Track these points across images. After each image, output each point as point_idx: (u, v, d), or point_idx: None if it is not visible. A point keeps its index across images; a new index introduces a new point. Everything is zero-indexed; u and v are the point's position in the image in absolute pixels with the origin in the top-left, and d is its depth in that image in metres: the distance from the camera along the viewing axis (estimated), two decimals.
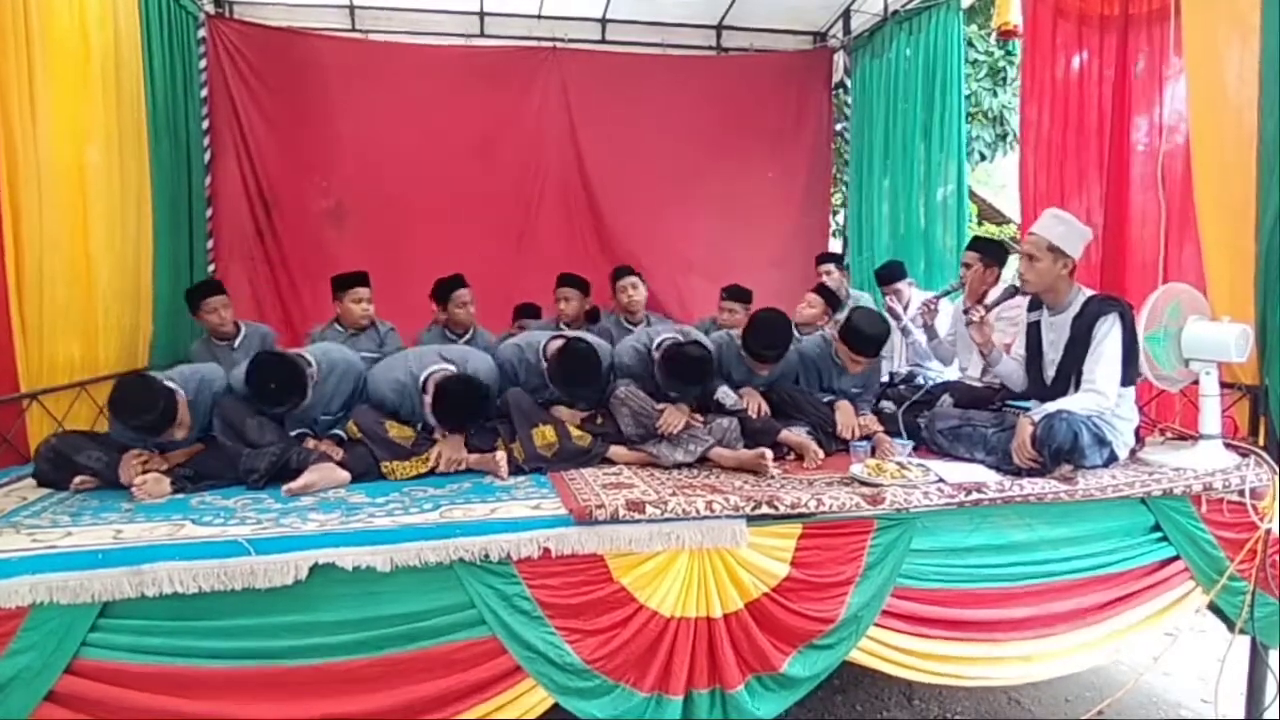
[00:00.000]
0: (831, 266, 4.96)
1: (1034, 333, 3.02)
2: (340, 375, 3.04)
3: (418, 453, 2.80)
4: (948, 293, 4.04)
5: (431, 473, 2.80)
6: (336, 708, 2.08)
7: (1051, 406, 2.72)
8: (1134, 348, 2.77)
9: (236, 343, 3.93)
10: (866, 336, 3.19)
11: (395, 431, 2.85)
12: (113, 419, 2.72)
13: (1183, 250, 3.36)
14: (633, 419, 2.91)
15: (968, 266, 3.86)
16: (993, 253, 3.88)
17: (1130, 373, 2.78)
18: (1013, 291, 3.16)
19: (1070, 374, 2.83)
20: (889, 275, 4.53)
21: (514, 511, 2.34)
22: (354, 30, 5.74)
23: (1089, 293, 2.90)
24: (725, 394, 3.18)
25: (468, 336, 4.17)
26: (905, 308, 4.39)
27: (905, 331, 4.19)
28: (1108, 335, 2.74)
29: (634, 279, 4.45)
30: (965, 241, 4.39)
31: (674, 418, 2.91)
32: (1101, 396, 2.71)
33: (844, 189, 6.35)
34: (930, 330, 3.93)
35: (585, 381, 3.01)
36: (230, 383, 2.91)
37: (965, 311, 3.30)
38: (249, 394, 2.74)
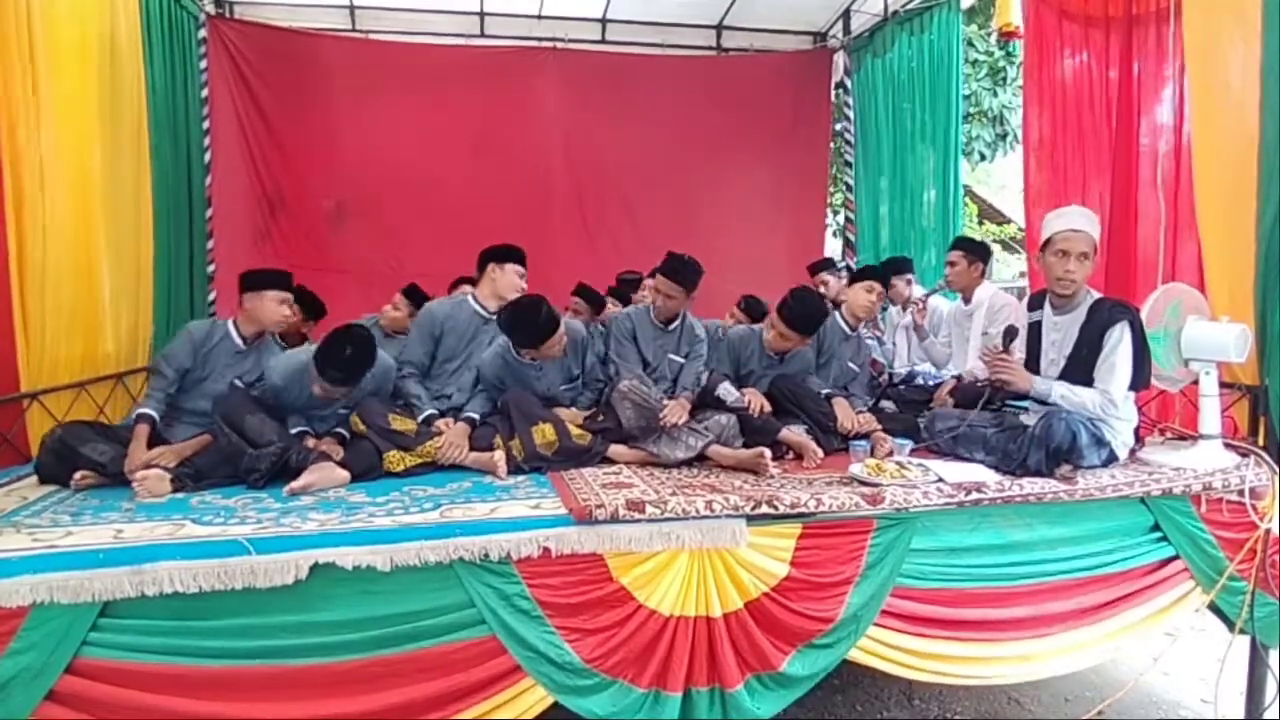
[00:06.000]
0: (826, 275, 4.91)
1: (1034, 332, 3.00)
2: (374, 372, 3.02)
3: (420, 443, 2.84)
4: (935, 290, 4.19)
5: (433, 461, 2.82)
6: (336, 708, 2.08)
7: (1060, 388, 2.72)
8: (1145, 354, 2.74)
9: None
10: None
11: (398, 424, 2.88)
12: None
13: (1183, 250, 3.37)
14: (635, 411, 2.92)
15: (952, 265, 3.97)
16: (976, 250, 4.00)
17: (1141, 378, 2.75)
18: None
19: (1075, 379, 2.79)
20: (885, 269, 4.48)
21: (514, 511, 2.34)
22: (354, 30, 5.76)
23: (1096, 295, 2.88)
24: (727, 390, 3.18)
25: None
26: (905, 305, 4.40)
27: (920, 331, 4.21)
28: (1119, 345, 2.70)
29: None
30: None
31: (677, 411, 2.94)
32: (1109, 403, 2.72)
33: (844, 189, 6.36)
34: (920, 330, 3.98)
35: (528, 328, 3.02)
36: (233, 380, 2.96)
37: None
38: (322, 358, 2.74)
